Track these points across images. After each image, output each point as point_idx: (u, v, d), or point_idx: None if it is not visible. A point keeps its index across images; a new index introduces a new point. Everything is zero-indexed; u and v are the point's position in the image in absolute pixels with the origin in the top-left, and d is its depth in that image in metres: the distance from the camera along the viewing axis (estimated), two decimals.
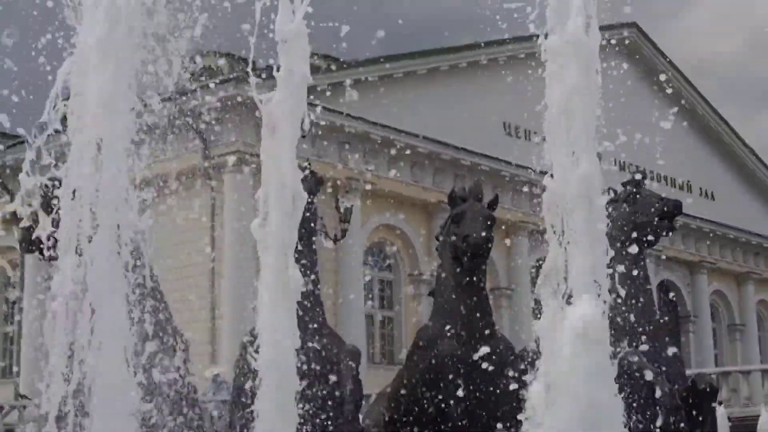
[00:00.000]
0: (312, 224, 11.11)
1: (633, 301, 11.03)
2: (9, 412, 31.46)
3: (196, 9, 7.21)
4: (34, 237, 8.33)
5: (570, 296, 6.41)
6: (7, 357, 40.95)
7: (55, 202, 6.98)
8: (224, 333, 31.36)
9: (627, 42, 44.78)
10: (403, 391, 11.39)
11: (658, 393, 10.71)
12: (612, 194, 11.21)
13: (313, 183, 10.77)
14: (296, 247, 6.65)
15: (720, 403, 18.42)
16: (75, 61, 6.81)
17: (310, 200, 9.41)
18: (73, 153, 6.70)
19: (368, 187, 36.03)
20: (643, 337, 11.13)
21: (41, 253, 8.30)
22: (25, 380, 37.13)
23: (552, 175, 6.54)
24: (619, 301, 9.68)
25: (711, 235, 49.79)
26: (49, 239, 7.18)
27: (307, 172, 9.07)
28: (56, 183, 7.08)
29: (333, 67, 36.11)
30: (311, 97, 6.69)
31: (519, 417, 6.97)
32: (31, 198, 7.42)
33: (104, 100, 6.70)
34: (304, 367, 8.17)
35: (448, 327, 10.91)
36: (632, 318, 10.96)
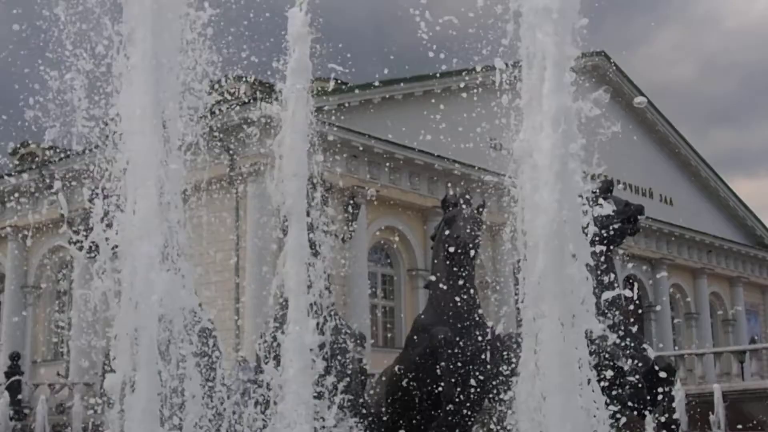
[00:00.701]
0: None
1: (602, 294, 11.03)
2: (60, 390, 31.52)
3: (223, 44, 7.23)
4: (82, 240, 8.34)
5: None
6: (59, 342, 41.03)
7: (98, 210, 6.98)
8: (246, 321, 31.38)
9: (596, 67, 44.90)
10: (402, 370, 11.41)
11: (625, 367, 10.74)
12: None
13: (325, 191, 10.81)
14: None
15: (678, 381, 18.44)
16: (121, 91, 6.83)
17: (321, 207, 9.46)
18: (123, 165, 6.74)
19: (372, 193, 36.12)
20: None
21: (89, 252, 8.30)
22: (75, 362, 37.24)
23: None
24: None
25: (670, 235, 49.88)
26: (92, 242, 7.17)
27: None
28: (96, 194, 7.08)
29: (342, 89, 36.18)
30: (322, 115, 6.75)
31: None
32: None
33: (148, 120, 6.73)
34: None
35: (441, 315, 10.94)
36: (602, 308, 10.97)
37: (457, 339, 10.61)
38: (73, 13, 6.95)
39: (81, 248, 9.00)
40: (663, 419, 12.30)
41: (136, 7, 6.91)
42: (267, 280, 7.89)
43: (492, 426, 9.13)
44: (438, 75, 39.39)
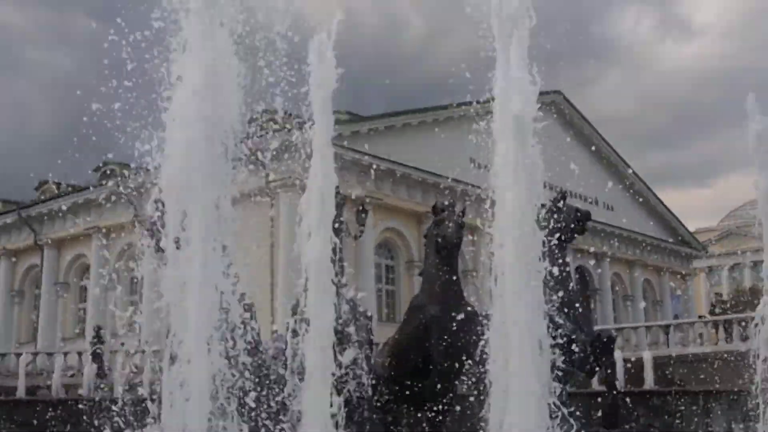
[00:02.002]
0: (339, 228, 11.15)
1: (558, 280, 11.01)
2: (134, 354, 31.46)
3: (261, 81, 7.23)
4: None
5: None
6: (132, 317, 40.98)
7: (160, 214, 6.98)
8: (279, 303, 31.41)
9: (553, 103, 44.86)
10: (401, 341, 11.39)
11: (576, 340, 10.71)
12: (543, 207, 11.19)
13: (341, 200, 10.81)
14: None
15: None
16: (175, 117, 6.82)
17: (338, 212, 9.45)
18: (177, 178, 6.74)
19: (378, 201, 36.14)
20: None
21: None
22: (146, 332, 37.19)
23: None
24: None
25: (611, 234, 49.84)
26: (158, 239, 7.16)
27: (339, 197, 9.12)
28: (161, 203, 7.07)
29: (353, 120, 36.25)
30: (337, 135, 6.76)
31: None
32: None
33: (200, 144, 6.74)
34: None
35: (431, 297, 10.92)
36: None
37: (444, 315, 10.60)
38: (146, 49, 6.92)
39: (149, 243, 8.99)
40: (606, 378, 12.29)
41: (193, 54, 6.91)
42: (295, 270, 7.86)
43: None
44: (431, 108, 39.58)
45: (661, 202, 55.75)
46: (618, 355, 18.63)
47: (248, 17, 7.15)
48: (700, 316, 36.72)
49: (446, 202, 11.54)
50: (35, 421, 13.56)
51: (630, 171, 53.22)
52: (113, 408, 7.27)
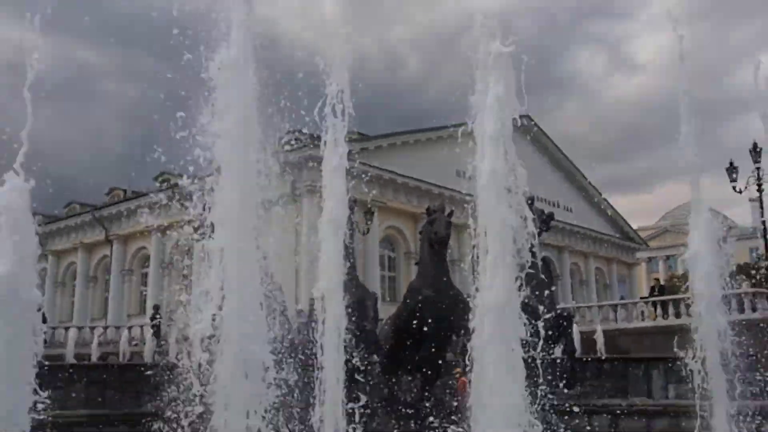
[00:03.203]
0: (350, 226, 11.16)
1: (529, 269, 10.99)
2: (185, 328, 31.46)
3: (288, 106, 7.24)
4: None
5: None
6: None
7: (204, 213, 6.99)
8: (303, 287, 31.41)
9: (522, 125, 44.81)
10: (400, 317, 11.39)
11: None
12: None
13: (352, 203, 10.83)
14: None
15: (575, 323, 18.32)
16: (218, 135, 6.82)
17: (350, 213, 9.47)
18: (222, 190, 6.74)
19: (382, 204, 36.15)
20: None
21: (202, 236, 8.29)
22: (194, 310, 37.22)
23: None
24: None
25: (570, 231, 49.80)
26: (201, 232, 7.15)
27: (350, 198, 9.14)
28: (207, 205, 7.08)
29: (360, 138, 36.32)
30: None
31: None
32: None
33: (240, 159, 6.75)
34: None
35: (425, 282, 10.92)
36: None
37: (436, 297, 10.59)
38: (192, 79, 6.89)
39: (199, 239, 8.98)
40: (566, 347, 12.29)
41: (234, 88, 6.93)
42: (316, 257, 7.88)
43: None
44: (425, 129, 39.61)
45: (610, 205, 55.72)
46: (575, 328, 18.63)
47: (274, 56, 7.18)
48: (641, 298, 36.63)
49: (437, 205, 11.55)
50: (106, 382, 13.60)
51: (585, 180, 53.22)
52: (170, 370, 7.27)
